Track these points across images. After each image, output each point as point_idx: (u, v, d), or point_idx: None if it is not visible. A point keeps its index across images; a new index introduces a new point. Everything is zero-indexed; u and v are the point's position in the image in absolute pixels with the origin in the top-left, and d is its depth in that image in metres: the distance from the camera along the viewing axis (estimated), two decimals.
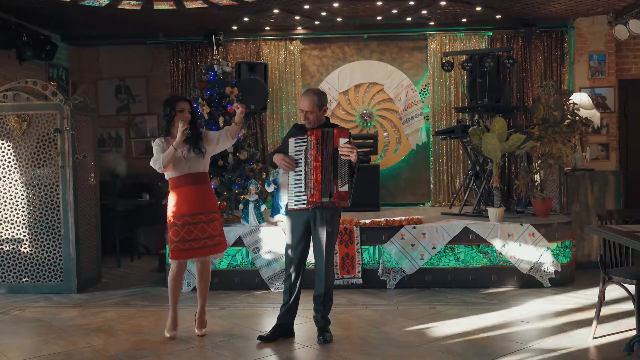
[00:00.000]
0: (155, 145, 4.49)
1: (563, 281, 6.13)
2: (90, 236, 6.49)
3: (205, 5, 7.11)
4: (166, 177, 4.56)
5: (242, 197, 6.45)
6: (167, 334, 4.57)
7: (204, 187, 4.54)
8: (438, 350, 4.18)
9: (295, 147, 4.33)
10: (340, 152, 4.23)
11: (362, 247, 6.12)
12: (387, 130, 8.91)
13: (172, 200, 4.50)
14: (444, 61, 7.95)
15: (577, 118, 6.72)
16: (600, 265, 4.33)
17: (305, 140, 4.29)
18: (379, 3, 7.38)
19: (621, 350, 4.03)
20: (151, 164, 4.46)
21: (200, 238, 4.47)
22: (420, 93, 8.87)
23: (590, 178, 7.08)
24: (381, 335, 4.55)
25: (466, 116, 7.99)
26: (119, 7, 7.03)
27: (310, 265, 4.61)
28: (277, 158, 4.35)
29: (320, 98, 4.38)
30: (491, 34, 8.63)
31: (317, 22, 8.32)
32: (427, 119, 8.82)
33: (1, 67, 7.44)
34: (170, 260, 4.56)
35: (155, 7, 7.08)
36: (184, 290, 6.09)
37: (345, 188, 4.27)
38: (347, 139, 4.25)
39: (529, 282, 6.05)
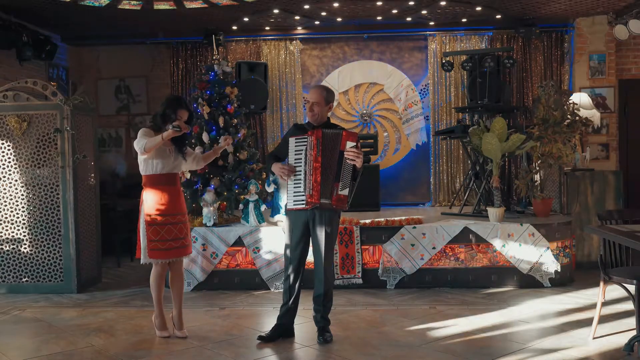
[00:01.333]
0: (142, 131, 4.46)
1: (563, 281, 6.13)
2: (90, 236, 6.49)
3: (205, 5, 7.11)
4: (145, 172, 4.49)
5: (242, 197, 6.45)
6: (162, 334, 4.58)
7: (179, 188, 4.65)
8: (438, 350, 4.18)
9: (296, 146, 4.32)
10: (346, 156, 4.21)
11: (362, 247, 6.12)
12: (387, 130, 8.92)
13: (153, 198, 4.45)
14: (444, 61, 7.95)
15: (577, 118, 6.72)
16: (600, 265, 4.33)
17: (306, 140, 4.28)
18: (379, 3, 7.39)
19: (621, 350, 4.03)
20: (134, 144, 4.41)
21: (179, 238, 4.51)
22: (420, 93, 8.87)
23: (590, 178, 7.08)
24: (381, 335, 4.55)
25: (466, 116, 7.99)
26: (119, 7, 7.03)
27: (310, 266, 4.61)
28: (276, 167, 4.34)
29: (329, 94, 4.43)
30: (491, 34, 8.63)
31: (317, 22, 8.33)
32: (427, 119, 8.83)
33: (1, 67, 7.44)
34: (150, 260, 4.46)
35: (155, 7, 7.08)
36: (184, 289, 6.09)
37: (345, 192, 4.26)
38: (354, 143, 4.24)
39: (529, 282, 6.05)
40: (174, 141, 4.53)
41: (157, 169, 4.47)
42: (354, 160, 4.21)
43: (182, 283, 4.69)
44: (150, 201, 4.45)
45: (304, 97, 8.83)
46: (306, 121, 4.72)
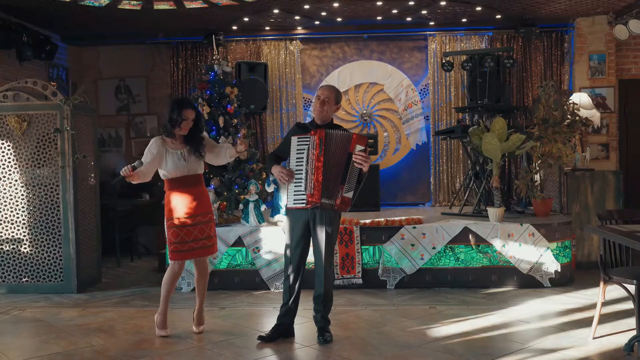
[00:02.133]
0: (151, 145, 4.52)
1: (563, 281, 6.13)
2: (90, 236, 6.49)
3: (205, 5, 7.11)
4: (163, 177, 4.56)
5: (242, 197, 6.45)
6: (161, 333, 4.60)
7: (201, 189, 4.61)
8: (438, 350, 4.18)
9: (298, 145, 4.31)
10: (354, 159, 4.21)
11: (362, 247, 6.12)
12: (387, 130, 8.91)
13: (171, 201, 4.51)
14: (444, 61, 7.95)
15: (577, 118, 6.72)
16: (600, 265, 4.33)
17: (308, 139, 4.28)
18: (379, 3, 7.38)
19: (621, 350, 4.03)
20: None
21: (199, 239, 4.53)
22: (420, 93, 8.87)
23: (590, 178, 7.08)
24: (381, 335, 4.55)
25: (466, 116, 7.99)
26: (119, 7, 7.02)
27: (310, 266, 4.61)
28: (275, 170, 4.35)
29: (339, 94, 4.51)
30: (491, 34, 8.63)
31: (317, 22, 8.32)
32: (427, 119, 8.82)
33: (1, 67, 7.44)
34: (170, 261, 4.57)
35: (155, 7, 7.08)
36: (184, 290, 6.11)
37: (350, 195, 4.27)
38: (363, 147, 4.24)
39: (529, 282, 6.05)
40: (188, 142, 4.53)
41: (171, 174, 4.51)
42: (362, 164, 4.21)
43: (205, 281, 4.71)
44: (169, 204, 4.51)
45: (304, 97, 8.83)
46: (307, 120, 4.71)
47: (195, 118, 4.54)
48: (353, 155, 4.21)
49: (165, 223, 4.56)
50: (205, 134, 4.75)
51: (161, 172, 4.55)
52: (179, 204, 4.48)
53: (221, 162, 4.76)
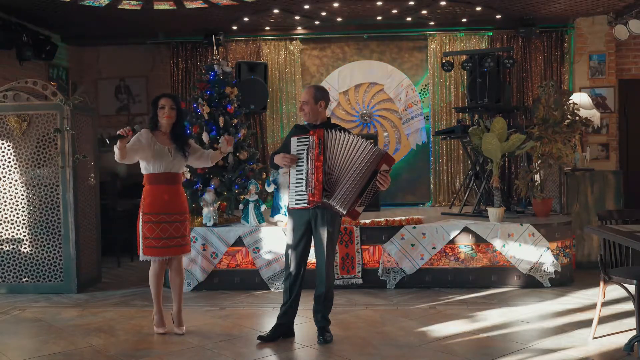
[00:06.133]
0: (140, 133, 4.55)
1: (563, 281, 6.13)
2: (90, 236, 6.49)
3: (205, 5, 7.12)
4: (144, 171, 4.57)
5: (242, 197, 6.45)
6: (158, 331, 4.63)
7: (179, 188, 4.65)
8: (438, 350, 4.18)
9: (298, 146, 4.31)
10: (378, 177, 4.21)
11: (362, 247, 6.12)
12: (387, 130, 8.92)
13: (149, 196, 4.50)
14: (444, 61, 7.95)
15: (577, 118, 6.72)
16: (600, 265, 4.33)
17: (307, 139, 4.29)
18: (379, 3, 7.39)
19: (621, 350, 4.03)
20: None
21: (174, 237, 4.51)
22: (420, 93, 8.88)
23: (590, 178, 7.08)
24: (381, 335, 4.55)
25: (466, 116, 7.99)
26: (119, 7, 7.03)
27: (310, 265, 4.61)
28: (278, 158, 4.37)
29: (318, 91, 4.42)
30: (491, 34, 8.63)
31: (317, 22, 8.33)
32: (427, 119, 8.83)
33: (1, 67, 7.44)
34: (146, 258, 4.52)
35: (155, 7, 7.08)
36: (184, 289, 6.09)
37: (361, 210, 4.30)
38: (389, 168, 4.25)
39: (529, 282, 6.05)
40: (174, 140, 4.57)
41: (154, 168, 4.51)
42: (382, 185, 4.22)
43: (181, 281, 4.69)
44: (147, 199, 4.50)
45: None
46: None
47: (176, 110, 4.57)
48: (378, 174, 4.21)
49: (141, 217, 4.51)
50: (191, 140, 4.80)
51: (143, 166, 4.55)
52: (158, 200, 4.47)
53: (202, 165, 4.87)
